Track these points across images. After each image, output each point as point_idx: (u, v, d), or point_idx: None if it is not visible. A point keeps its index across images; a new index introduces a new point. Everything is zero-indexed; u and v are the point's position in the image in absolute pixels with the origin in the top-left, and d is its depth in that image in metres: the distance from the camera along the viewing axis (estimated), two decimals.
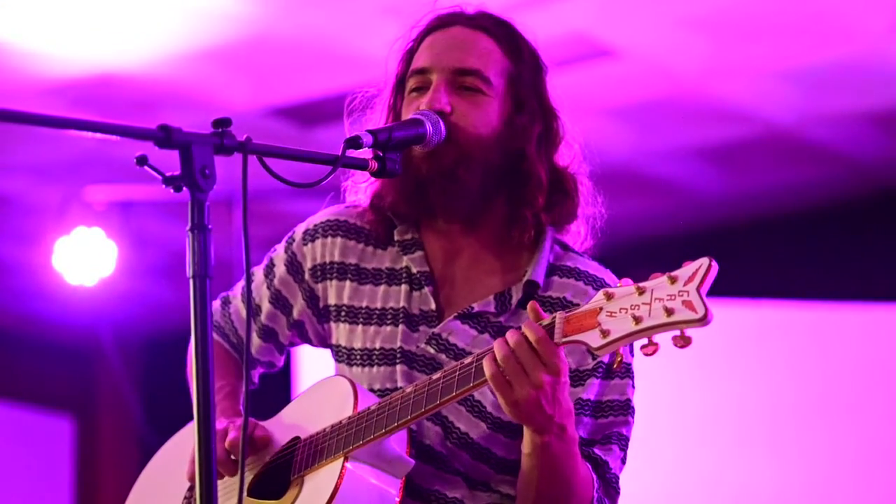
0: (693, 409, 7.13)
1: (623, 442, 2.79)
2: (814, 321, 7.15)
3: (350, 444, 2.68)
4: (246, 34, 5.76)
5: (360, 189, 2.94)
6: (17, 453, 8.96)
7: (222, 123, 2.35)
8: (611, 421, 2.78)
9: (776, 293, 7.21)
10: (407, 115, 2.82)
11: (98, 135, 2.28)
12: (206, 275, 2.28)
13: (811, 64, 6.06)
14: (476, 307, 2.81)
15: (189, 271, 2.28)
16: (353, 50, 5.82)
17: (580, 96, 6.12)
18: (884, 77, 6.20)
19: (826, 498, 6.98)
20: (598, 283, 2.82)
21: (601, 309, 2.44)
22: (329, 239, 2.94)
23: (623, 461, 2.80)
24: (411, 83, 2.85)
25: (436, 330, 2.81)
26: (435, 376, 2.63)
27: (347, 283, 2.90)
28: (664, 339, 2.37)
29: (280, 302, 2.98)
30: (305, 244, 2.96)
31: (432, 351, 2.80)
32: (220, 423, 2.81)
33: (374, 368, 2.83)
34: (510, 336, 2.52)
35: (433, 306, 2.83)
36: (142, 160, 2.30)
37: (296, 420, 2.84)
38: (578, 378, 2.74)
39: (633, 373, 2.81)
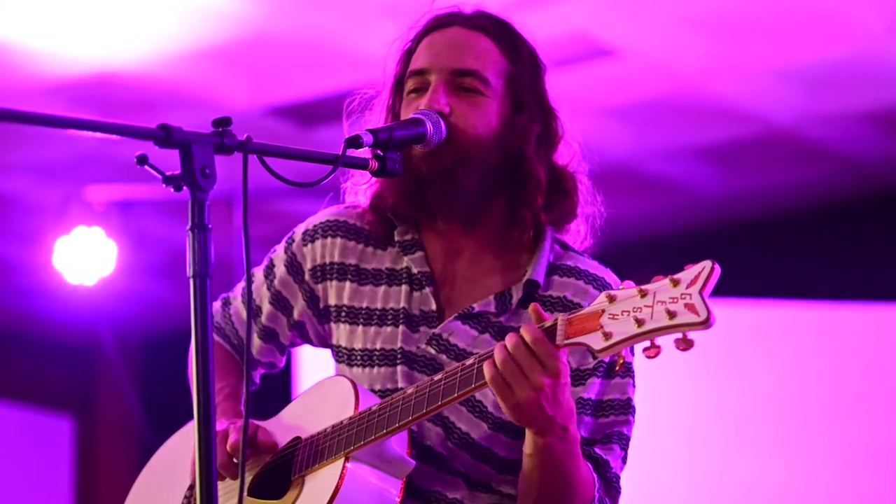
0: (692, 409, 7.13)
1: (624, 441, 2.79)
2: (813, 321, 7.15)
3: (351, 445, 2.68)
4: (246, 34, 5.76)
5: (360, 190, 2.94)
6: (16, 452, 8.97)
7: (222, 123, 2.35)
8: (612, 420, 2.78)
9: (774, 293, 7.21)
10: (406, 116, 2.81)
11: (98, 134, 2.28)
12: (207, 274, 2.28)
13: (811, 63, 6.06)
14: (476, 307, 2.81)
15: (189, 271, 2.28)
16: (353, 50, 5.82)
17: (579, 96, 6.12)
18: (884, 77, 6.20)
19: (826, 497, 6.97)
20: (598, 282, 2.82)
21: (603, 311, 2.44)
22: (329, 239, 2.93)
23: (624, 460, 2.80)
24: (410, 84, 2.85)
25: (436, 330, 2.81)
26: (437, 377, 2.63)
27: (347, 283, 2.90)
28: (666, 341, 2.37)
29: (280, 303, 2.98)
30: (305, 245, 2.95)
31: (433, 351, 2.80)
32: (220, 425, 2.80)
33: (375, 369, 2.83)
34: (509, 339, 2.51)
35: (433, 307, 2.83)
36: (142, 159, 2.30)
37: (296, 420, 2.84)
38: (579, 377, 2.74)
39: (633, 372, 2.81)
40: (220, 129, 2.34)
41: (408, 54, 2.90)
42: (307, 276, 2.95)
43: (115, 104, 6.28)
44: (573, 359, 2.71)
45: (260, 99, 6.38)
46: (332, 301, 2.92)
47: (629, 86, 6.28)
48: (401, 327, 2.83)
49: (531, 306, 2.56)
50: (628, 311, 2.40)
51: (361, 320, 2.87)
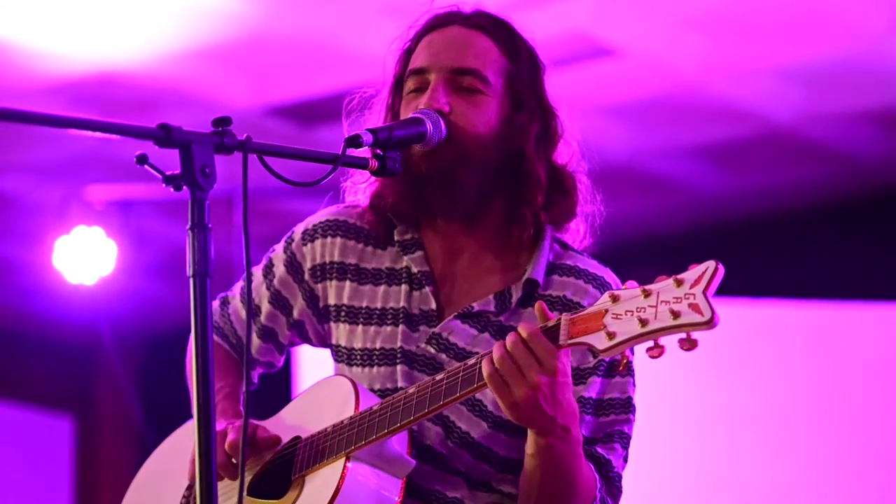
0: (691, 408, 7.13)
1: (625, 440, 2.79)
2: (813, 320, 7.15)
3: (352, 444, 2.68)
4: (246, 33, 5.76)
5: (360, 190, 2.94)
6: (16, 452, 8.96)
7: (222, 122, 2.35)
8: (612, 419, 2.78)
9: (774, 292, 7.20)
10: (405, 115, 2.81)
11: (98, 134, 2.28)
12: (207, 273, 2.28)
13: (811, 63, 6.06)
14: (476, 306, 2.81)
15: (189, 270, 2.28)
16: (353, 49, 5.82)
17: (579, 95, 6.12)
18: (884, 76, 6.20)
19: (827, 497, 6.97)
20: (598, 282, 2.82)
21: (607, 311, 2.43)
22: (328, 239, 2.93)
23: (625, 459, 2.80)
24: (409, 83, 2.85)
25: (436, 329, 2.81)
26: (438, 377, 2.63)
27: (347, 283, 2.90)
28: (670, 341, 2.37)
29: (280, 302, 2.97)
30: (305, 244, 2.95)
31: (433, 351, 2.80)
32: (219, 425, 2.79)
33: (375, 368, 2.83)
34: (508, 337, 2.51)
35: (433, 306, 2.83)
36: (142, 159, 2.30)
37: (297, 420, 2.84)
38: (580, 376, 2.74)
39: (633, 370, 2.81)
40: (220, 129, 2.34)
41: (407, 54, 2.90)
42: (307, 276, 2.94)
43: (115, 104, 6.28)
44: (573, 357, 2.71)
45: (260, 99, 6.38)
46: (331, 300, 2.91)
47: (629, 85, 6.28)
48: (400, 326, 2.83)
49: (536, 304, 2.56)
50: (632, 311, 2.40)
51: (361, 320, 2.87)
